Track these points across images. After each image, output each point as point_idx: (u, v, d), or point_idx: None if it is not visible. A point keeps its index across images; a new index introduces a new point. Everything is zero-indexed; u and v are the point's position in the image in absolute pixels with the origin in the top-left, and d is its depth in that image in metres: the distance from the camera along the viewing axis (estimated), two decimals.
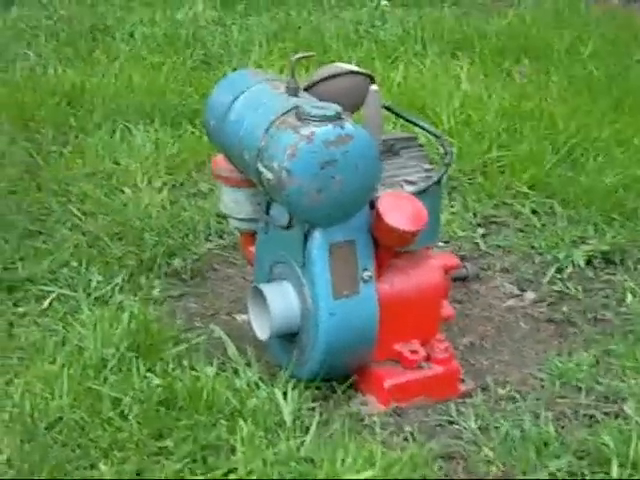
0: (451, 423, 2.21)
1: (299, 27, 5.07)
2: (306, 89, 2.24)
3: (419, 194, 2.14)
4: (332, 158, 1.95)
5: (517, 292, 2.82)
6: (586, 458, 2.09)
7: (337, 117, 1.96)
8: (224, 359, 2.34)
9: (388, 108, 2.28)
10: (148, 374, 2.18)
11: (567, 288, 2.81)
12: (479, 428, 2.17)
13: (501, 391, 2.34)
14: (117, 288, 2.63)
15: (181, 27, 4.96)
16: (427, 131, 2.33)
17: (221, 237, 3.01)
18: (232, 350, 2.32)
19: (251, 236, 2.41)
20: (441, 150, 2.31)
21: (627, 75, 4.53)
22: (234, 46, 4.70)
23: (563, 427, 2.20)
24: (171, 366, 2.23)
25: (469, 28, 5.11)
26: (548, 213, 3.23)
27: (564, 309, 2.72)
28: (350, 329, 2.16)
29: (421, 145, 2.28)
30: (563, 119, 3.80)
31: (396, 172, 2.18)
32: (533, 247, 3.04)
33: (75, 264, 2.73)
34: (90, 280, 2.66)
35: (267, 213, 2.22)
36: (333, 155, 1.95)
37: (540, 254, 3.00)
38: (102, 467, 1.96)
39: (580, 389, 2.34)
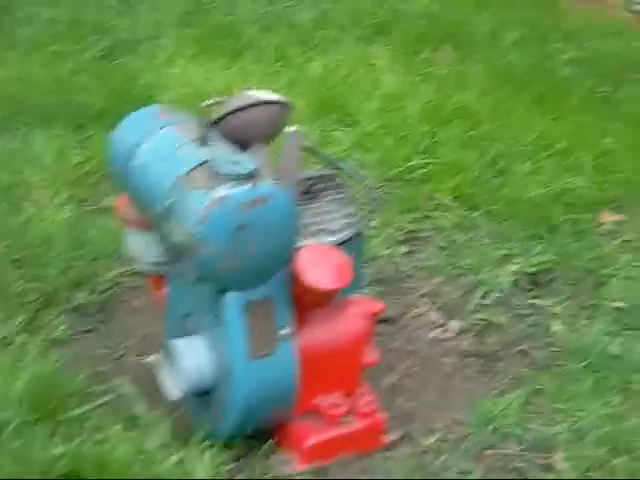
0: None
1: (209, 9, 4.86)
2: (216, 122, 2.06)
3: (341, 244, 2.00)
4: (246, 222, 1.78)
5: (441, 321, 2.71)
6: None
7: (251, 175, 1.79)
8: (133, 415, 2.18)
9: (309, 149, 2.12)
10: (51, 440, 2.02)
11: (493, 315, 2.71)
12: None
13: (427, 441, 2.23)
14: (18, 328, 2.45)
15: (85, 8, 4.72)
16: (351, 176, 2.18)
17: (129, 262, 2.83)
18: (141, 408, 2.16)
19: (160, 278, 2.25)
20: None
21: (549, 65, 4.44)
22: (142, 32, 4.48)
23: None
24: (75, 429, 2.07)
25: (387, 11, 4.96)
26: (472, 227, 3.13)
27: (490, 340, 2.61)
28: (267, 390, 2.01)
29: (340, 184, 2.13)
30: (487, 119, 3.70)
31: (315, 219, 2.03)
32: (456, 267, 2.93)
33: None
34: None
35: (177, 261, 2.06)
36: (247, 219, 1.79)
37: (464, 275, 2.89)
38: None
39: (509, 437, 2.26)
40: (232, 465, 2.07)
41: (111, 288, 2.68)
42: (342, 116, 3.68)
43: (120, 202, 2.19)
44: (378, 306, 2.22)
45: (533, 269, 2.89)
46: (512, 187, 3.25)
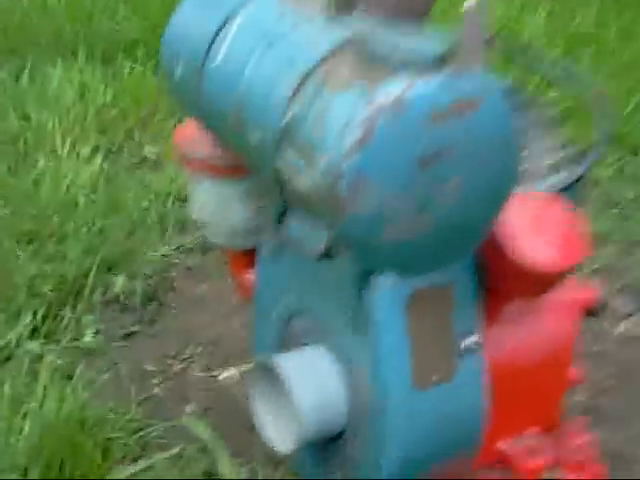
0: None
1: None
2: None
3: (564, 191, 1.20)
4: (439, 146, 0.98)
5: (629, 308, 1.92)
6: None
7: (443, 59, 0.99)
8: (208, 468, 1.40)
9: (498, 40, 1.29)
10: None
11: None
12: None
13: None
14: (25, 332, 1.65)
15: None
16: (572, 82, 1.37)
17: (183, 233, 2.04)
18: (226, 463, 1.37)
19: (245, 256, 1.46)
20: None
21: None
22: None
23: None
24: None
25: None
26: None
27: None
28: (438, 434, 1.23)
29: (537, 99, 1.32)
30: None
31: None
32: (632, 233, 2.13)
33: None
34: None
35: (279, 224, 1.27)
36: (441, 139, 0.97)
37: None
38: None
39: None
40: None
41: (160, 272, 1.89)
42: None
43: (182, 134, 1.40)
44: (590, 294, 1.42)
45: None
46: None
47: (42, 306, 1.70)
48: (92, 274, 1.77)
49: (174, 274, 1.88)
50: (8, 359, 1.60)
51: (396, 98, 0.91)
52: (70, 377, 1.52)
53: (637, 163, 2.42)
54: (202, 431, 1.42)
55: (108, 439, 1.36)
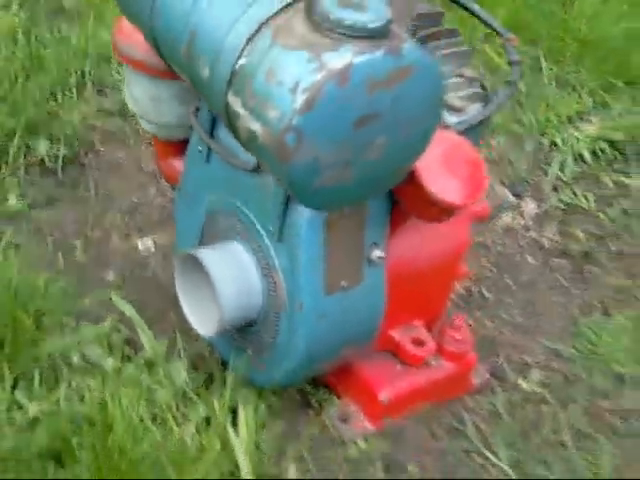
0: (467, 452, 1.54)
1: None
2: None
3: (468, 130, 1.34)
4: (375, 109, 1.10)
5: (512, 200, 2.10)
6: None
7: (387, 30, 1.10)
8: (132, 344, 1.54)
9: None
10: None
11: (575, 196, 2.11)
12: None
13: (524, 384, 1.68)
14: None
15: None
16: (489, 26, 1.48)
17: (102, 92, 2.10)
18: (147, 338, 1.51)
19: (175, 145, 1.56)
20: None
21: None
22: None
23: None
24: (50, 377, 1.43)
25: None
26: (533, 68, 2.47)
27: (578, 233, 2.03)
28: (343, 331, 1.40)
29: (456, 31, 1.43)
30: None
31: None
32: (519, 123, 2.29)
33: None
34: None
35: (211, 136, 1.37)
36: (377, 104, 1.09)
37: (530, 135, 2.26)
38: None
39: (625, 381, 1.71)
40: (276, 424, 1.48)
41: (78, 133, 1.96)
42: None
43: (121, 29, 1.46)
44: (483, 207, 1.59)
45: (614, 133, 2.28)
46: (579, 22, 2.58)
47: None
48: (17, 136, 1.84)
49: (95, 138, 1.97)
50: None
51: (342, 68, 1.03)
52: None
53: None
54: (123, 305, 1.56)
55: (38, 310, 1.49)
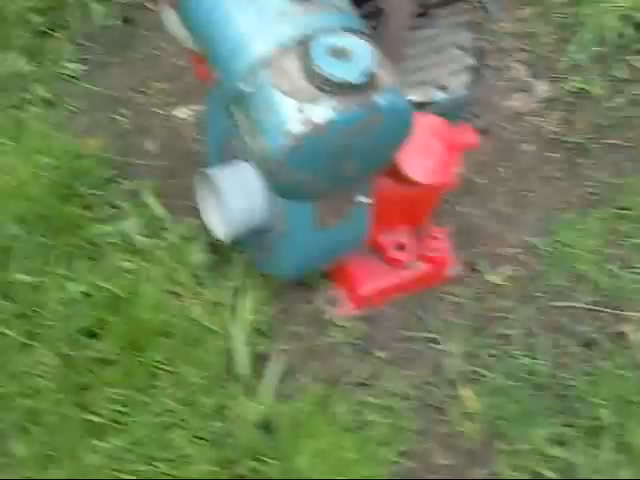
0: (432, 341, 1.85)
1: None
2: None
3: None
4: (349, 144, 1.31)
5: (526, 79, 2.25)
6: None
7: (365, 86, 1.27)
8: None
9: None
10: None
11: (589, 81, 2.25)
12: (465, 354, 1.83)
13: (494, 278, 1.94)
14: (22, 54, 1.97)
15: None
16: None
17: None
18: (171, 222, 1.79)
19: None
20: None
21: None
22: None
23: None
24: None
25: None
26: None
27: (580, 123, 2.18)
28: (330, 251, 1.67)
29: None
30: None
31: (423, 61, 1.51)
32: None
33: None
34: None
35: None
36: (352, 141, 1.31)
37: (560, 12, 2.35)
38: None
39: (583, 281, 1.95)
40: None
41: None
42: None
43: None
44: (471, 138, 1.78)
45: None
46: None
47: (30, 33, 1.99)
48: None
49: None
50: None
51: (323, 123, 1.25)
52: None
53: None
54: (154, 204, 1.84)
55: (88, 194, 1.78)
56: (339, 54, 1.26)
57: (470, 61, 1.55)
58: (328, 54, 1.25)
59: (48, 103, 1.93)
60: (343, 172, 1.34)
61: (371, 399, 1.71)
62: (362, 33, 1.32)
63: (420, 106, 1.49)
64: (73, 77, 1.99)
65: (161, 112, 2.00)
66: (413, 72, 1.51)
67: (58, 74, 1.97)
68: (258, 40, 1.30)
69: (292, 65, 1.27)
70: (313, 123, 1.26)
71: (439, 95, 1.52)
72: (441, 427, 1.72)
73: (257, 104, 1.30)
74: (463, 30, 1.54)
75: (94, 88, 1.99)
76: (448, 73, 1.53)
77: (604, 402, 1.74)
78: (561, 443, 1.70)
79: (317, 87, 1.25)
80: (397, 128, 1.33)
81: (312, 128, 1.26)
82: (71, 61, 2.00)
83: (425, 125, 1.47)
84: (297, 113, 1.26)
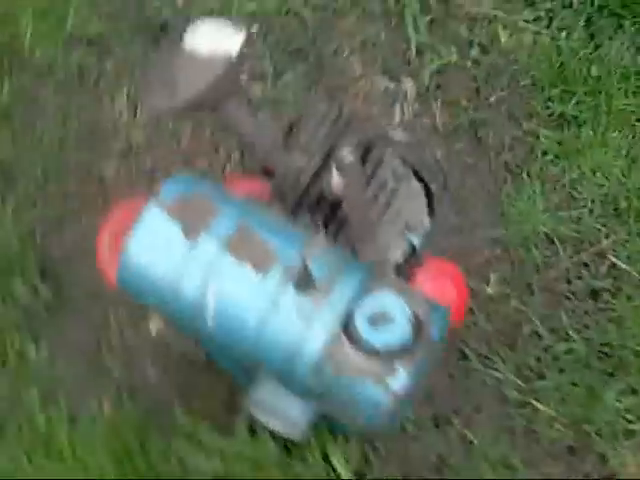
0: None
1: None
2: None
3: None
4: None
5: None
6: None
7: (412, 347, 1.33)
8: None
9: None
10: None
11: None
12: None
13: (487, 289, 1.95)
14: None
15: None
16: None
17: None
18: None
19: None
20: None
21: None
22: None
23: None
24: None
25: None
26: None
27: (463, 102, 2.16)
28: None
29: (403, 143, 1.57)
30: None
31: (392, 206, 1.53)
32: None
33: None
34: None
35: None
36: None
37: None
38: None
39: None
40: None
41: None
42: None
43: None
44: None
45: None
46: None
47: None
48: None
49: None
50: None
51: (404, 391, 1.34)
52: None
53: None
54: None
55: None
56: (379, 321, 1.35)
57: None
58: (369, 322, 1.33)
59: None
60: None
61: None
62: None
63: (408, 260, 1.56)
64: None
65: None
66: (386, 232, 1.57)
67: None
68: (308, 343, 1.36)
69: (347, 347, 1.33)
70: (396, 395, 1.34)
71: (415, 239, 1.56)
72: None
73: (337, 394, 1.36)
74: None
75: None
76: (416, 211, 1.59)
77: None
78: None
79: (372, 358, 1.32)
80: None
81: (396, 399, 1.34)
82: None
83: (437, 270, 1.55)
84: (379, 393, 1.33)
